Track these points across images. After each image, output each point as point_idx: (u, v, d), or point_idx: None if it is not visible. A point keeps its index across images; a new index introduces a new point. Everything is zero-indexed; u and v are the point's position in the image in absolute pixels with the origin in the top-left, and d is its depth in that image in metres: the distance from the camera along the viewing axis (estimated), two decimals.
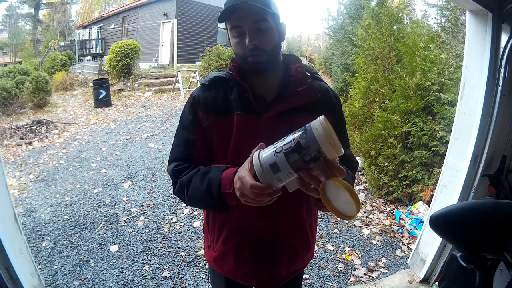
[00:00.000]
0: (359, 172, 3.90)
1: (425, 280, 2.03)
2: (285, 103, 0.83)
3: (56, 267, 2.23)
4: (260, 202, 0.66)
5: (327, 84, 0.93)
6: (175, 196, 3.46)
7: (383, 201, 3.37)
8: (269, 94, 0.86)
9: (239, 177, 0.69)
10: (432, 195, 2.47)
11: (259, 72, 0.83)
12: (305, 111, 0.84)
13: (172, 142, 0.93)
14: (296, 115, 0.83)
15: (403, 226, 2.89)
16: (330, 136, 0.57)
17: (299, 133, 0.59)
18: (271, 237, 0.89)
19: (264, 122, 0.82)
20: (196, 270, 2.24)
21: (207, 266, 2.26)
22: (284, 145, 0.60)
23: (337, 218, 3.01)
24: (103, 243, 2.52)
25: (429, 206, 2.53)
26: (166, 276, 2.16)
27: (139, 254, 2.39)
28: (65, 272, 2.18)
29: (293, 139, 0.59)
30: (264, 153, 0.62)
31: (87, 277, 2.13)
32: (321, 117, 0.60)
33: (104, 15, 16.37)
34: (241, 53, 0.81)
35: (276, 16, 0.82)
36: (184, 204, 2.82)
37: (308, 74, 0.89)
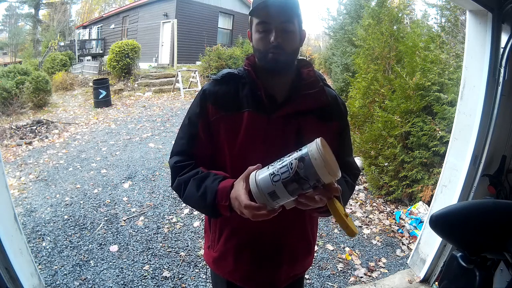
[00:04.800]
0: None
1: (425, 280, 2.03)
2: (295, 105, 0.84)
3: (56, 267, 2.23)
4: (258, 219, 0.67)
5: (335, 91, 0.95)
6: (174, 196, 3.42)
7: (383, 201, 3.37)
8: (280, 94, 0.87)
9: (236, 196, 0.70)
10: (432, 195, 2.47)
11: (275, 70, 0.84)
12: (314, 115, 0.85)
13: (177, 134, 0.93)
14: (305, 118, 0.84)
15: (403, 226, 2.89)
16: (328, 163, 0.56)
17: (296, 161, 0.58)
18: (273, 240, 0.89)
19: (274, 121, 0.83)
20: (196, 270, 2.24)
21: (207, 267, 2.26)
22: (281, 170, 0.59)
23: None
24: (103, 243, 2.52)
25: (429, 206, 2.53)
26: (166, 276, 2.16)
27: (139, 254, 2.39)
28: (65, 272, 2.18)
29: (291, 167, 0.58)
30: (261, 176, 0.62)
31: (87, 277, 2.13)
32: (318, 141, 0.59)
33: (104, 15, 16.35)
34: (262, 49, 0.82)
35: (301, 21, 0.84)
36: (184, 204, 2.82)
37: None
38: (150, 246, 2.49)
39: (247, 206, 0.66)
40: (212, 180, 0.79)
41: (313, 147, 0.58)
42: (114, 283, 2.09)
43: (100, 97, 7.66)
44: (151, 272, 2.20)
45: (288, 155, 0.62)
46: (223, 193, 0.74)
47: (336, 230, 2.82)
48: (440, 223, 0.91)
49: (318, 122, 0.86)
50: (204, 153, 0.88)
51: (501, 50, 1.55)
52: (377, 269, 2.34)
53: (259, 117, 0.83)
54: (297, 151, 0.61)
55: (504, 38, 1.55)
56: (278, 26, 0.79)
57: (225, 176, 0.79)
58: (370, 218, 3.06)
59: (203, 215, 1.04)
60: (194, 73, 9.02)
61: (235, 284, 0.95)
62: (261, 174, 0.62)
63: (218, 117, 0.85)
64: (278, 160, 0.62)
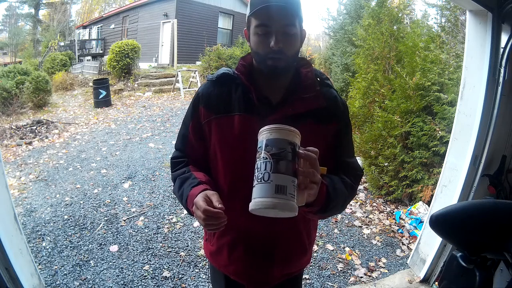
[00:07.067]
0: None
1: (425, 280, 2.03)
2: (290, 108, 0.82)
3: (56, 267, 2.23)
4: (208, 226, 0.72)
5: (336, 91, 0.92)
6: (174, 196, 3.43)
7: (383, 201, 3.37)
8: (275, 96, 0.85)
9: (195, 202, 0.74)
10: (432, 195, 2.47)
11: (274, 75, 0.82)
12: (311, 117, 0.83)
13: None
14: (301, 120, 0.81)
15: (403, 226, 2.90)
16: (277, 125, 0.61)
17: (263, 151, 0.61)
18: (266, 238, 0.89)
19: (267, 124, 0.81)
20: (196, 270, 2.24)
21: (207, 266, 2.26)
22: (264, 170, 0.59)
23: (337, 218, 3.01)
24: (103, 243, 2.52)
25: (429, 206, 2.53)
26: (166, 276, 2.16)
27: (139, 254, 2.39)
28: (65, 272, 2.18)
29: (265, 157, 0.60)
30: (258, 193, 0.59)
31: (87, 277, 2.13)
32: (261, 128, 0.64)
33: (104, 15, 16.34)
34: (262, 53, 0.79)
35: (301, 21, 0.82)
36: None
37: (318, 79, 0.88)
38: (150, 246, 2.49)
39: (205, 210, 0.71)
40: (188, 184, 0.82)
41: (260, 133, 0.63)
42: (114, 283, 2.09)
43: (100, 97, 7.66)
44: (151, 272, 2.20)
45: (257, 162, 0.62)
46: (191, 200, 0.78)
47: (336, 230, 2.82)
48: (440, 223, 0.91)
49: (315, 124, 0.84)
50: (194, 154, 0.92)
51: (501, 50, 1.55)
52: (377, 269, 2.34)
53: (251, 120, 0.82)
54: (257, 152, 0.63)
55: (504, 38, 1.55)
56: (279, 30, 0.76)
57: (200, 181, 0.82)
58: (370, 218, 3.06)
59: None
60: (194, 73, 9.02)
61: (234, 281, 0.96)
62: (254, 192, 0.61)
63: (209, 119, 0.86)
64: (256, 173, 0.62)
